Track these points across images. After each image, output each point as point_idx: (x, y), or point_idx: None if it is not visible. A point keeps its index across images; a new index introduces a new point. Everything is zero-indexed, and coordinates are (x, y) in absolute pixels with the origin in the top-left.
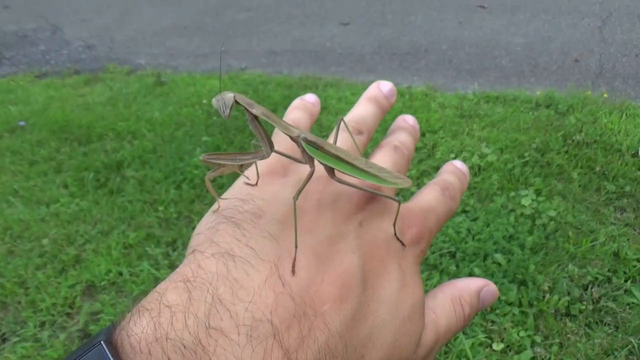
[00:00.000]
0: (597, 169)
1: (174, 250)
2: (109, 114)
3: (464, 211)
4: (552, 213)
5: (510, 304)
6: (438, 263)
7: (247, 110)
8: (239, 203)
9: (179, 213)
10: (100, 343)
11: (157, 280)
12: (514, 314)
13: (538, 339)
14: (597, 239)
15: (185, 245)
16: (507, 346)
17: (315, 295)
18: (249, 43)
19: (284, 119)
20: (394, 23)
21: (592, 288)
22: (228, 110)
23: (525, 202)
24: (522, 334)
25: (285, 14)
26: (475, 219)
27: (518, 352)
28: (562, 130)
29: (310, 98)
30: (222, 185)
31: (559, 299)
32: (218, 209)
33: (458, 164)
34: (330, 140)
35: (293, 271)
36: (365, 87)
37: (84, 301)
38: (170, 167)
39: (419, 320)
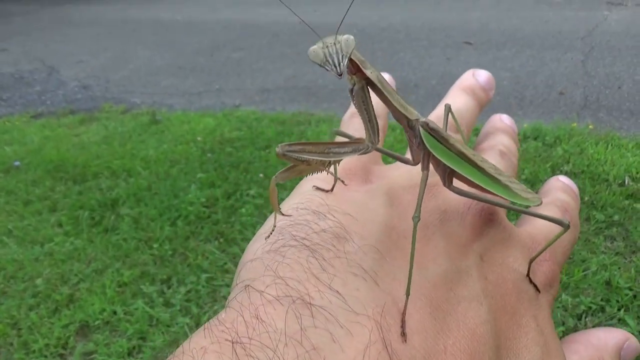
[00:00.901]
0: (586, 198)
1: (168, 288)
2: (104, 152)
3: None
4: None
5: None
6: None
7: (359, 70)
8: (311, 217)
9: (173, 250)
10: None
11: (151, 319)
12: None
13: None
14: (588, 268)
15: (180, 283)
16: None
17: None
18: (243, 81)
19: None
20: (384, 60)
21: (586, 317)
22: (345, 61)
23: None
24: None
25: (278, 53)
26: None
27: None
28: (550, 162)
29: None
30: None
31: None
32: (274, 229)
33: (565, 179)
34: None
35: (404, 336)
36: None
37: (77, 341)
38: (165, 204)
39: None
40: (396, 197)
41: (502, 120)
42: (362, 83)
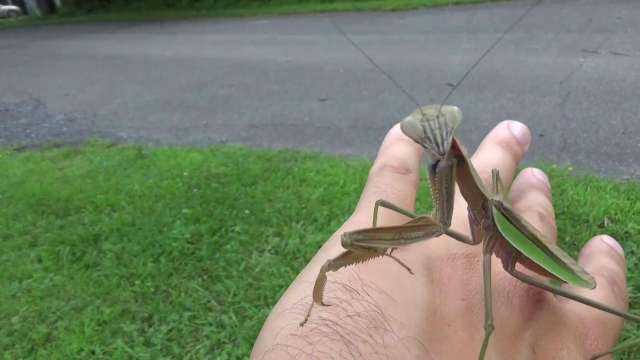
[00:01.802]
0: (567, 239)
1: (149, 327)
2: (88, 186)
3: None
4: None
5: None
6: None
7: (454, 147)
8: (343, 294)
9: (156, 287)
10: None
11: (130, 359)
12: None
13: None
14: None
15: (161, 321)
16: None
17: None
18: (230, 117)
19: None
20: (369, 99)
21: None
22: (450, 139)
23: None
24: None
25: (266, 90)
26: None
27: None
28: None
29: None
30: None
31: None
32: (307, 319)
33: (610, 241)
34: None
35: None
36: (343, 159)
37: None
38: (149, 239)
39: None
40: (435, 270)
41: (535, 175)
42: (452, 161)
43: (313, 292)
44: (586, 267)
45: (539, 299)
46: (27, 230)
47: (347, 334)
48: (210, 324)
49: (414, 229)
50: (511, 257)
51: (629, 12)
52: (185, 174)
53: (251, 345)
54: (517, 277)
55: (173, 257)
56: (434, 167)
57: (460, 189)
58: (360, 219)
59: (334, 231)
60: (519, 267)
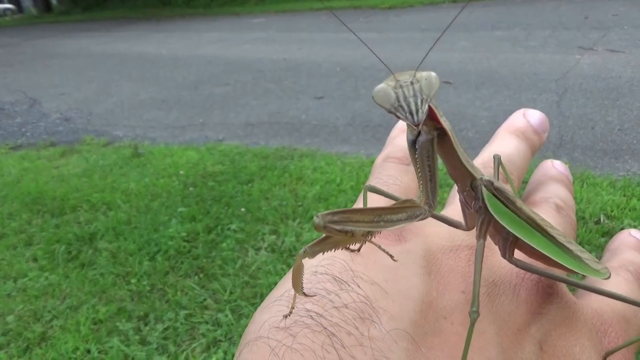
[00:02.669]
0: None
1: (145, 325)
2: (83, 185)
3: None
4: None
5: None
6: None
7: (434, 118)
8: (332, 286)
9: (152, 286)
10: None
11: (126, 358)
12: None
13: None
14: None
15: (157, 320)
16: None
17: None
18: (227, 115)
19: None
20: (366, 97)
21: None
22: (425, 107)
23: None
24: None
25: (262, 89)
26: None
27: None
28: None
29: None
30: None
31: None
32: (291, 311)
33: (638, 234)
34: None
35: None
36: (340, 157)
37: None
38: (145, 238)
39: None
40: (435, 262)
41: (555, 167)
42: (432, 134)
43: (292, 282)
44: (611, 262)
45: (549, 293)
46: (22, 229)
47: (331, 325)
48: (207, 322)
49: (396, 211)
50: (508, 243)
51: (626, 9)
52: (181, 172)
53: None
54: (516, 265)
55: (169, 255)
56: (413, 142)
57: (447, 168)
58: None
59: None
60: (523, 257)
